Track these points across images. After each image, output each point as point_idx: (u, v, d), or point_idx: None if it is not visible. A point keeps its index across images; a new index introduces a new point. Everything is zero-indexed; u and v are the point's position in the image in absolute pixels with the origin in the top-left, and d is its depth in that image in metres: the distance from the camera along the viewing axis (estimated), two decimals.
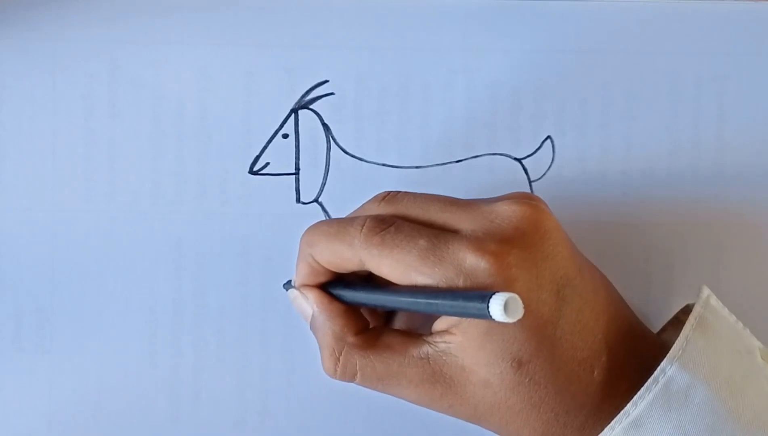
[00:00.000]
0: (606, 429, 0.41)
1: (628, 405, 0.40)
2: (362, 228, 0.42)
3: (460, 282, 0.40)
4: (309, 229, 0.45)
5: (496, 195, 0.44)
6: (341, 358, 0.44)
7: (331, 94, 0.50)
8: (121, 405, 0.50)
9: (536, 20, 0.50)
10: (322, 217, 0.50)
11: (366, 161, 0.50)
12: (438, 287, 0.41)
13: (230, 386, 0.50)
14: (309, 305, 0.45)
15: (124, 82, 0.50)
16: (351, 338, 0.44)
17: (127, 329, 0.50)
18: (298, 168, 0.50)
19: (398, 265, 0.41)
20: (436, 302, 0.40)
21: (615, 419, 0.40)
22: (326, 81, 0.50)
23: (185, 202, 0.50)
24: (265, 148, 0.50)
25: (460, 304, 0.38)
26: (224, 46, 0.50)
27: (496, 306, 0.36)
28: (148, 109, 0.50)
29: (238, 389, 0.50)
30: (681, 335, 0.42)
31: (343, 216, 0.46)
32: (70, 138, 0.50)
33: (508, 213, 0.41)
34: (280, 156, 0.50)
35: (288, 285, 0.48)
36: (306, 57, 0.50)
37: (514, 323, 0.38)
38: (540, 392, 0.41)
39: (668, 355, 0.41)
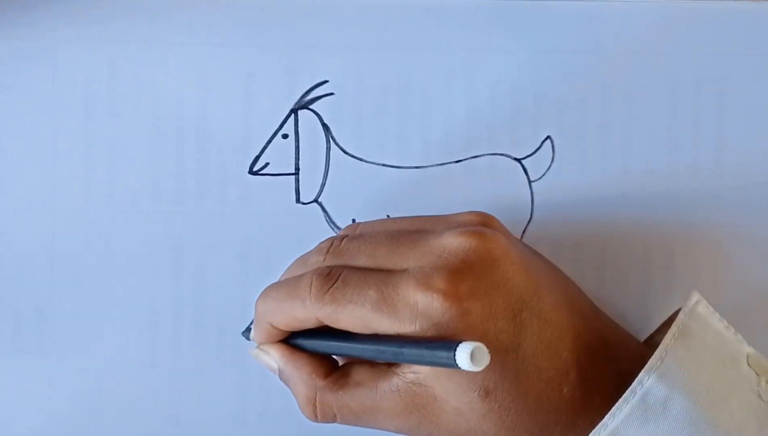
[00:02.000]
0: None
1: (606, 417, 0.40)
2: (310, 288, 0.42)
3: (416, 326, 0.40)
4: (261, 296, 0.45)
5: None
6: (317, 403, 0.44)
7: (331, 94, 0.50)
8: (121, 405, 0.50)
9: (536, 20, 0.50)
10: (321, 217, 0.50)
11: (366, 161, 0.50)
12: (399, 335, 0.41)
13: (230, 386, 0.50)
14: (273, 360, 0.45)
15: (124, 82, 0.50)
16: (321, 383, 0.44)
17: (127, 329, 0.50)
18: (297, 168, 0.50)
19: (355, 320, 0.42)
20: (402, 351, 0.40)
21: (593, 432, 0.40)
22: (326, 81, 0.50)
23: (185, 203, 0.50)
24: (264, 148, 0.50)
25: (425, 353, 0.39)
26: (224, 46, 0.50)
27: (463, 356, 0.37)
28: (148, 109, 0.50)
29: (238, 389, 0.50)
30: (660, 345, 0.41)
31: (338, 220, 0.45)
32: (70, 138, 0.50)
33: (454, 245, 0.41)
34: (279, 156, 0.50)
35: (246, 333, 0.48)
36: (306, 57, 0.50)
37: None
38: (511, 415, 0.41)
39: (646, 366, 0.41)
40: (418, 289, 0.40)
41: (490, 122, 0.50)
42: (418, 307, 0.40)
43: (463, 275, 0.40)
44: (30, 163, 0.50)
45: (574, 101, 0.50)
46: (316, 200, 0.50)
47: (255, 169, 0.50)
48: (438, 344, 0.39)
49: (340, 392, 0.43)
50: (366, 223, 0.46)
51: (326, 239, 0.45)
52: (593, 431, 0.40)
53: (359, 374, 0.44)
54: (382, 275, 0.42)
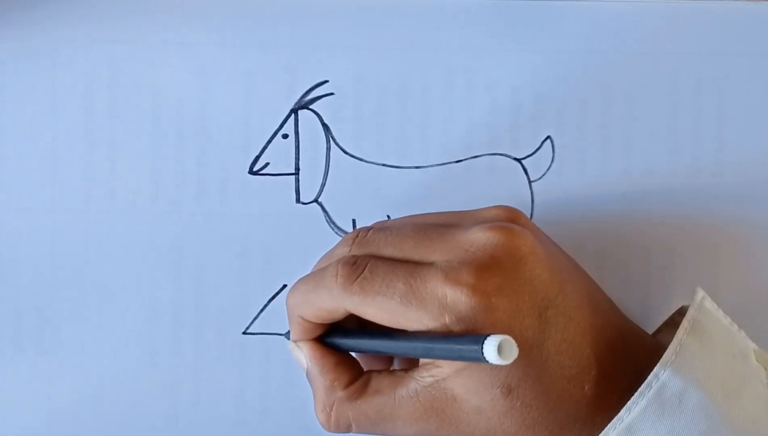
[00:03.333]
0: (600, 435, 0.41)
1: (622, 411, 0.40)
2: (337, 277, 0.42)
3: (446, 319, 0.40)
4: (290, 291, 0.45)
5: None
6: (333, 413, 0.44)
7: (331, 94, 0.50)
8: (121, 405, 0.50)
9: (536, 20, 0.50)
10: (321, 217, 0.50)
11: (366, 161, 0.50)
12: (428, 331, 0.41)
13: (230, 386, 0.50)
14: (304, 358, 0.45)
15: (124, 82, 0.50)
16: (341, 393, 0.44)
17: (127, 329, 0.50)
18: (297, 168, 0.50)
19: (383, 312, 0.42)
20: (432, 346, 0.40)
21: (609, 425, 0.41)
22: (326, 81, 0.50)
23: (185, 203, 0.50)
24: (265, 148, 0.50)
25: (454, 348, 0.39)
26: (224, 46, 0.50)
27: (491, 349, 0.37)
28: (148, 109, 0.50)
29: (238, 389, 0.50)
30: (674, 339, 0.42)
31: (340, 221, 0.46)
32: (70, 138, 0.50)
33: (482, 241, 0.41)
34: (279, 156, 0.50)
35: (288, 335, 0.48)
36: (306, 57, 0.50)
37: None
38: (533, 413, 0.41)
39: (661, 360, 0.41)
40: (447, 283, 0.40)
41: (490, 122, 0.50)
42: (446, 301, 0.40)
43: (491, 271, 0.40)
44: (30, 163, 0.50)
45: (574, 101, 0.50)
46: (316, 200, 0.50)
47: (255, 169, 0.50)
48: (466, 338, 0.39)
49: (359, 401, 0.43)
50: (391, 220, 0.46)
51: (351, 232, 0.45)
52: (609, 424, 0.41)
53: (378, 382, 0.44)
54: (409, 268, 0.42)
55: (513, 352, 0.36)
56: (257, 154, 0.50)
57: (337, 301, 0.42)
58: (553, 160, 0.50)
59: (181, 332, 0.50)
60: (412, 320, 0.41)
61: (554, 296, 0.41)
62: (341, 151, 0.50)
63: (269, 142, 0.50)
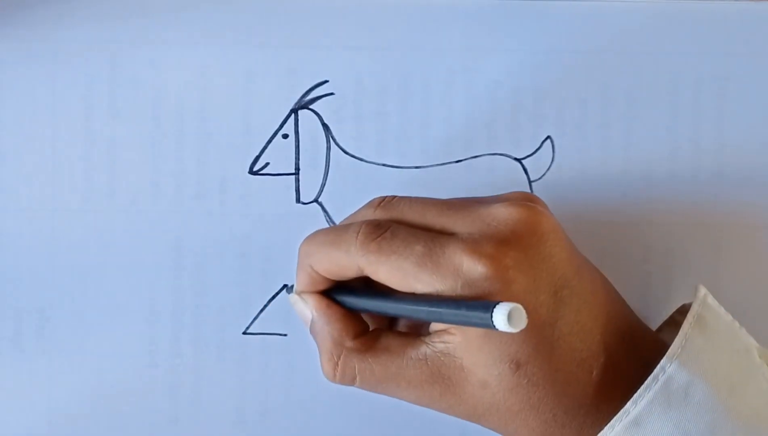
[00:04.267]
0: (606, 428, 0.41)
1: (628, 403, 0.40)
2: (358, 235, 0.42)
3: (458, 287, 0.40)
4: (306, 238, 0.45)
5: (495, 195, 0.44)
6: (340, 362, 0.44)
7: (331, 94, 0.50)
8: (121, 405, 0.50)
9: (536, 20, 0.50)
10: (321, 217, 0.50)
11: (366, 161, 0.50)
12: (438, 295, 0.41)
13: (230, 386, 0.50)
14: (308, 309, 0.45)
15: (124, 82, 0.50)
16: (349, 343, 0.44)
17: (127, 329, 0.50)
18: (298, 168, 0.50)
19: (396, 271, 0.41)
20: (439, 310, 0.40)
21: (615, 418, 0.41)
22: (326, 81, 0.50)
23: (185, 203, 0.50)
24: (265, 148, 0.50)
25: (462, 313, 0.39)
26: (224, 46, 0.50)
27: (500, 316, 0.36)
28: (148, 109, 0.50)
29: (238, 389, 0.50)
30: (680, 332, 0.42)
31: (342, 219, 0.46)
32: (70, 138, 0.50)
33: (504, 215, 0.41)
34: (280, 156, 0.50)
35: (290, 289, 0.48)
36: (306, 57, 0.50)
37: None
38: (538, 393, 0.41)
39: (668, 353, 0.41)
40: (465, 252, 0.40)
41: (490, 122, 0.50)
42: (462, 269, 0.40)
43: (511, 245, 0.41)
44: (30, 163, 0.50)
45: (574, 101, 0.50)
46: (316, 200, 0.50)
47: (255, 169, 0.50)
48: (476, 303, 0.38)
49: (367, 355, 0.43)
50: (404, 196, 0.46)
51: (378, 197, 0.45)
52: (615, 417, 0.41)
53: (388, 339, 0.43)
54: (430, 234, 0.42)
55: (522, 321, 0.36)
56: (257, 154, 0.50)
57: (353, 257, 0.42)
58: (553, 160, 0.50)
59: (181, 331, 0.50)
60: (423, 282, 0.41)
61: (571, 276, 0.42)
62: (341, 151, 0.50)
63: (269, 142, 0.50)
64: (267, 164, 0.50)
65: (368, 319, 0.46)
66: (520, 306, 0.36)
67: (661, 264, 0.49)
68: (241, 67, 0.50)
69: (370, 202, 0.45)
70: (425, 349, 0.42)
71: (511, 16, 0.50)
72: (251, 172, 0.50)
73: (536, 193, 0.50)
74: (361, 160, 0.50)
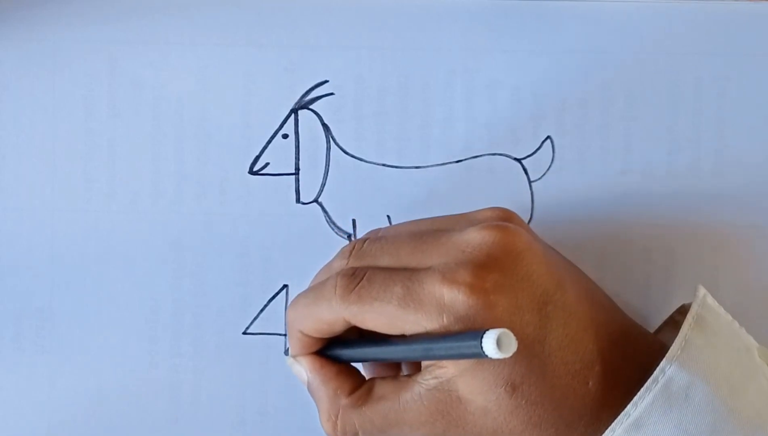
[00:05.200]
0: (607, 431, 0.41)
1: (629, 406, 0.41)
2: (336, 288, 0.42)
3: (444, 320, 0.40)
4: (289, 306, 0.45)
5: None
6: (338, 420, 0.44)
7: (331, 94, 0.50)
8: (121, 405, 0.50)
9: (536, 20, 0.50)
10: (321, 217, 0.50)
11: (366, 161, 0.50)
12: (427, 332, 0.41)
13: (230, 386, 0.50)
14: (303, 371, 0.45)
15: (124, 82, 0.50)
16: (345, 400, 0.44)
17: (127, 329, 0.50)
18: (297, 168, 0.50)
19: (381, 317, 0.41)
20: (430, 346, 0.40)
21: (616, 421, 0.41)
22: (326, 81, 0.50)
23: (185, 203, 0.50)
24: (265, 148, 0.50)
25: (453, 346, 0.39)
26: (224, 46, 0.50)
27: (489, 344, 0.36)
28: (148, 109, 0.50)
29: (238, 389, 0.50)
30: (680, 334, 0.42)
31: (339, 221, 0.46)
32: (70, 138, 0.50)
33: (477, 240, 0.41)
34: (280, 156, 0.50)
35: (287, 351, 0.48)
36: (306, 57, 0.50)
37: None
38: (538, 410, 0.41)
39: (667, 354, 0.41)
40: (444, 283, 0.40)
41: (490, 122, 0.50)
42: (444, 301, 0.40)
43: (488, 269, 0.40)
44: (30, 163, 0.50)
45: (574, 101, 0.50)
46: (316, 200, 0.50)
47: (255, 169, 0.50)
48: (464, 334, 0.38)
49: (363, 408, 0.43)
50: (386, 227, 0.46)
51: (348, 244, 0.45)
52: (616, 420, 0.41)
53: (382, 388, 0.44)
54: (407, 273, 0.42)
55: (512, 345, 0.36)
56: (257, 154, 0.50)
57: (336, 312, 0.42)
58: (553, 160, 0.50)
59: (181, 332, 0.50)
60: (410, 322, 0.41)
61: (553, 291, 0.41)
62: (341, 151, 0.50)
63: (269, 142, 0.50)
64: (267, 164, 0.50)
65: (373, 367, 0.46)
66: (507, 330, 0.36)
67: (661, 264, 0.49)
68: (241, 67, 0.50)
69: (341, 251, 0.45)
70: (419, 388, 0.42)
71: (511, 16, 0.50)
72: (251, 172, 0.50)
73: (536, 193, 0.50)
74: (361, 160, 0.50)
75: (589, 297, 0.43)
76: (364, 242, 0.44)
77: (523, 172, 0.50)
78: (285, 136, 0.50)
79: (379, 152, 0.50)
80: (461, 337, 0.39)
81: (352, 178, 0.50)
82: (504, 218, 0.43)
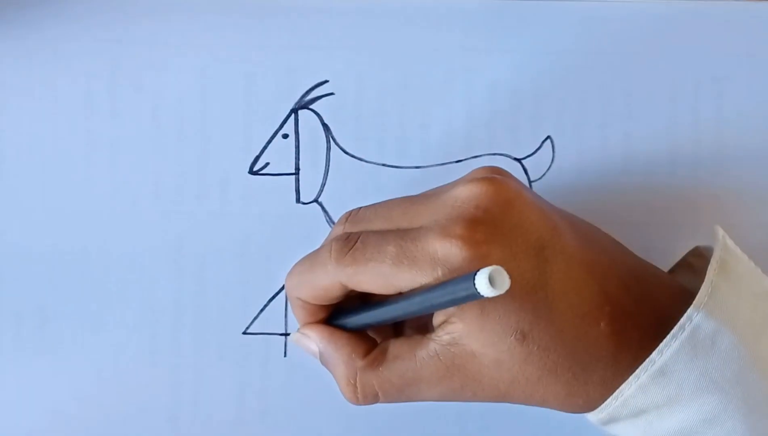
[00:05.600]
0: (631, 378, 0.41)
1: (654, 353, 0.40)
2: (330, 253, 0.43)
3: (439, 274, 0.40)
4: (287, 275, 0.45)
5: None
6: (358, 384, 0.44)
7: (331, 94, 0.50)
8: (121, 405, 0.50)
9: (536, 20, 0.50)
10: (322, 217, 0.50)
11: (366, 161, 0.50)
12: (422, 287, 0.41)
13: (230, 386, 0.50)
14: (313, 343, 0.45)
15: (124, 82, 0.50)
16: (360, 362, 0.44)
17: (127, 329, 0.50)
18: (298, 168, 0.50)
19: (377, 278, 0.42)
20: (427, 296, 0.40)
21: (640, 367, 0.40)
22: (326, 81, 0.50)
23: (185, 203, 0.50)
24: (265, 148, 0.50)
25: (448, 291, 0.39)
26: (224, 46, 0.50)
27: (482, 282, 0.36)
28: (148, 110, 0.50)
29: (238, 389, 0.50)
30: (706, 280, 0.41)
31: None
32: (70, 138, 0.50)
33: (466, 193, 0.41)
34: (280, 156, 0.50)
35: (287, 335, 0.48)
36: (306, 57, 0.50)
37: (505, 297, 0.38)
38: (552, 356, 0.41)
39: (695, 302, 0.40)
40: (437, 239, 0.40)
41: (490, 122, 0.50)
42: (437, 256, 0.40)
43: (479, 220, 0.41)
44: (31, 163, 0.50)
45: (574, 101, 0.50)
46: (316, 200, 0.50)
47: (255, 169, 0.50)
48: (458, 278, 0.38)
49: (380, 369, 0.43)
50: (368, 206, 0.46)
51: (343, 214, 0.45)
52: (640, 366, 0.40)
53: (396, 347, 0.43)
54: (400, 232, 0.42)
55: (505, 281, 0.36)
56: (257, 154, 0.50)
57: (332, 276, 0.42)
58: (553, 160, 0.50)
59: (181, 331, 0.50)
60: (405, 280, 0.41)
61: (548, 236, 0.41)
62: (341, 151, 0.50)
63: (269, 142, 0.50)
64: (267, 164, 0.50)
65: (375, 335, 0.46)
66: (498, 267, 0.36)
67: (661, 264, 0.49)
68: (241, 68, 0.50)
69: (338, 220, 0.45)
70: (434, 345, 0.42)
71: (511, 16, 0.50)
72: (251, 172, 0.50)
73: (536, 193, 0.50)
74: (361, 160, 0.50)
75: (590, 240, 0.43)
76: (359, 209, 0.44)
77: (523, 172, 0.50)
78: (285, 136, 0.50)
79: (379, 152, 0.50)
80: (455, 281, 0.39)
81: (352, 178, 0.50)
82: (493, 173, 0.43)
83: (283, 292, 0.50)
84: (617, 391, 0.41)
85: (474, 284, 0.36)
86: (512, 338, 0.40)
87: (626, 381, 0.41)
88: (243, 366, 0.50)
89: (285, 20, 0.50)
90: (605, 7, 0.50)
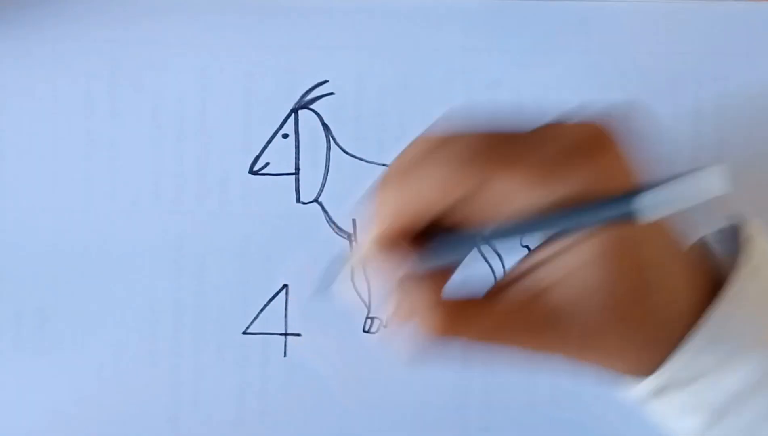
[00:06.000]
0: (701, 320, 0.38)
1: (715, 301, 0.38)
2: (471, 146, 0.36)
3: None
4: (380, 182, 0.37)
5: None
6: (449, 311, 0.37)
7: (331, 94, 0.50)
8: (121, 405, 0.50)
9: (536, 20, 0.50)
10: (322, 217, 0.50)
11: (366, 161, 0.50)
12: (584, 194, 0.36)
13: (230, 386, 0.50)
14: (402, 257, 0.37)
15: (124, 82, 0.50)
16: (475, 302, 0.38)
17: (127, 329, 0.50)
18: (298, 168, 0.50)
19: (530, 175, 0.35)
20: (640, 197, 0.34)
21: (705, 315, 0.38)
22: (326, 81, 0.50)
23: (185, 203, 0.50)
24: (265, 148, 0.50)
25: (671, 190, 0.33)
26: (224, 46, 0.50)
27: (713, 178, 0.32)
28: (148, 109, 0.50)
29: (238, 389, 0.50)
30: (747, 241, 0.40)
31: (342, 220, 0.45)
32: (70, 138, 0.50)
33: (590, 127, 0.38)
34: (280, 156, 0.50)
35: (323, 284, 0.40)
36: (306, 57, 0.50)
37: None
38: (646, 302, 0.38)
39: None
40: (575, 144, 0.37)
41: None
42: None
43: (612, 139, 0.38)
44: (31, 163, 0.50)
45: (574, 101, 0.50)
46: (316, 200, 0.50)
47: (255, 169, 0.50)
48: (674, 176, 0.33)
49: (469, 306, 0.37)
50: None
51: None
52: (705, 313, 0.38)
53: (499, 291, 0.38)
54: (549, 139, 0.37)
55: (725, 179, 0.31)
56: (257, 154, 0.50)
57: (471, 174, 0.35)
58: None
59: (181, 331, 0.50)
60: (571, 179, 0.36)
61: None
62: (341, 151, 0.50)
63: (269, 142, 0.50)
64: (267, 164, 0.50)
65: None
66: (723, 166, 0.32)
67: None
68: (241, 68, 0.50)
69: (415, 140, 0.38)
70: (527, 285, 0.38)
71: (511, 16, 0.50)
72: (251, 172, 0.50)
73: None
74: (361, 160, 0.50)
75: None
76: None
77: None
78: (285, 136, 0.50)
79: (379, 152, 0.50)
80: (672, 178, 0.33)
81: (351, 178, 0.50)
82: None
83: (283, 292, 0.50)
84: (686, 343, 0.38)
85: (699, 179, 0.31)
86: (634, 272, 0.38)
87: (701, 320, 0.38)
88: (243, 366, 0.50)
89: (285, 20, 0.50)
90: (605, 7, 0.50)
